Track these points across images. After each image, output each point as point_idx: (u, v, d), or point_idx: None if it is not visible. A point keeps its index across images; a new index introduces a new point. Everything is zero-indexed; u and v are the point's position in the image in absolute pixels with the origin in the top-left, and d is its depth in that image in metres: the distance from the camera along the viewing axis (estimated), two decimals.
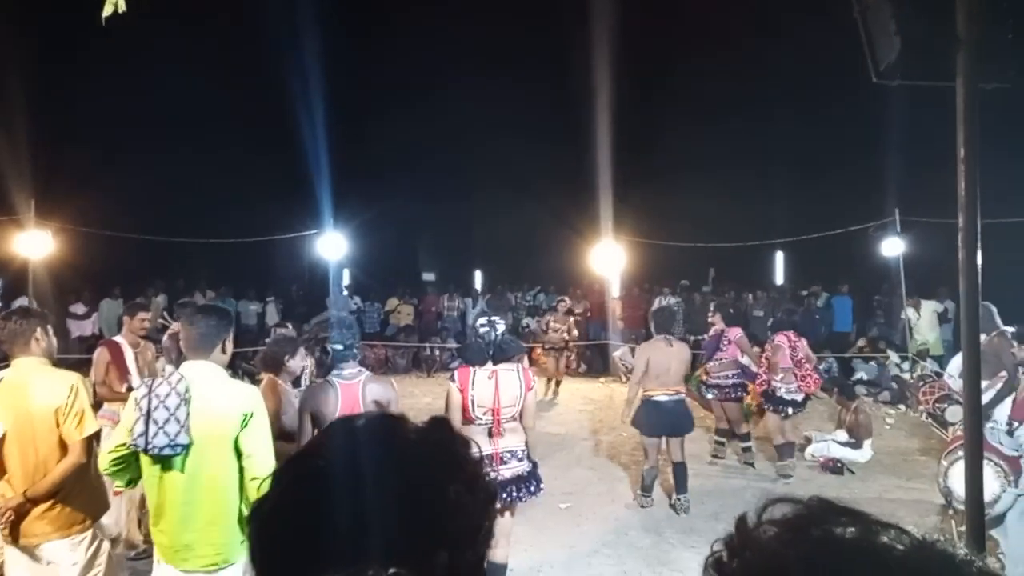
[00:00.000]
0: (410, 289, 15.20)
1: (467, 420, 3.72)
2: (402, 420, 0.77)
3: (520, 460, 3.76)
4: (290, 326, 5.02)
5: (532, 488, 3.78)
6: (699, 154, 14.69)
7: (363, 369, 3.36)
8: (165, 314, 7.60)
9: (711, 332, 7.17)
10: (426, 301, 15.00)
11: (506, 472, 3.68)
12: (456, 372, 3.81)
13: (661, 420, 5.65)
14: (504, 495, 3.67)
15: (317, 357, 3.34)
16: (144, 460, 2.77)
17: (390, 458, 0.71)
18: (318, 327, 3.29)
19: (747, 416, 7.05)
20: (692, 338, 12.39)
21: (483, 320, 3.85)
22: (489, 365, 3.74)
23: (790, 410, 6.66)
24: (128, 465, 2.81)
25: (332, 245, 12.44)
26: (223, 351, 2.86)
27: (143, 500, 3.93)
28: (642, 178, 14.75)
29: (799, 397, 6.64)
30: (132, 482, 2.92)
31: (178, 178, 13.65)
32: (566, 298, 11.50)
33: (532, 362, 12.16)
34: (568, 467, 6.96)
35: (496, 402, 3.69)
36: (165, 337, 4.95)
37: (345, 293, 14.96)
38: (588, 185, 12.92)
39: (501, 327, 3.83)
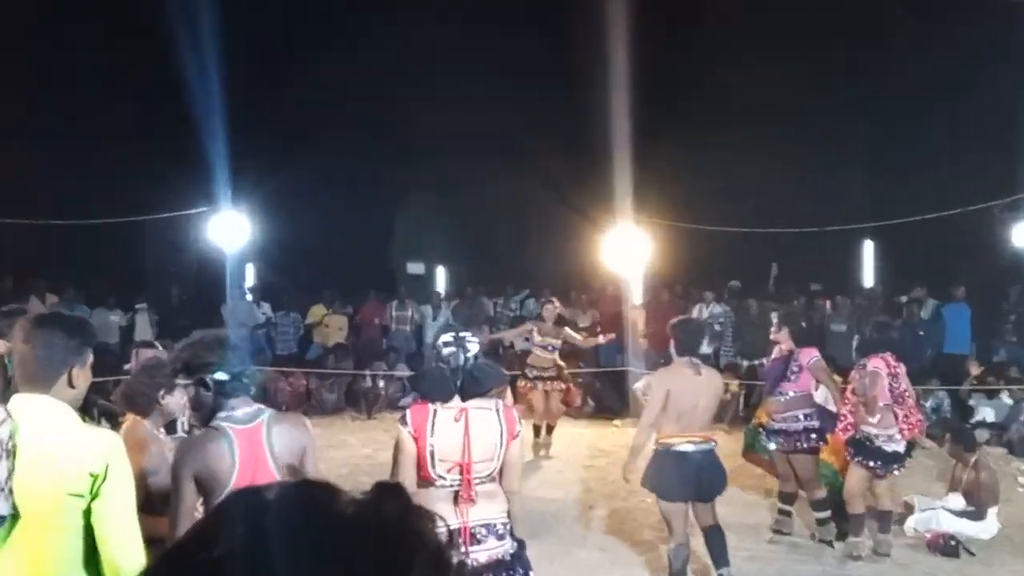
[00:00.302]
0: (342, 294, 15.13)
1: (425, 480, 3.72)
2: (331, 490, 0.77)
3: (500, 538, 3.76)
4: (159, 346, 4.95)
5: (524, 572, 3.79)
6: (755, 104, 14.75)
7: (262, 407, 3.31)
8: None
9: (774, 355, 7.18)
10: (365, 311, 14.98)
11: (480, 555, 3.68)
12: (409, 412, 3.80)
13: (686, 479, 5.61)
14: None
15: (191, 394, 3.27)
16: None
17: (318, 548, 0.70)
18: (188, 350, 3.21)
19: (828, 477, 7.07)
20: (745, 363, 12.48)
21: (448, 337, 3.83)
22: (456, 401, 3.75)
23: (892, 467, 6.69)
24: None
25: (230, 229, 12.35)
26: (70, 384, 2.79)
27: None
28: (675, 137, 14.78)
29: (901, 447, 6.68)
30: None
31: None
32: (554, 299, 11.16)
33: (517, 397, 12.11)
34: (568, 547, 6.95)
35: (466, 455, 3.68)
36: None
37: (249, 298, 14.86)
38: (597, 148, 12.91)
39: (473, 347, 3.82)
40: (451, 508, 3.67)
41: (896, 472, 6.87)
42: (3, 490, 2.58)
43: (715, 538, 5.77)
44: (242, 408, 3.23)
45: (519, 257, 16.44)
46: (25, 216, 11.73)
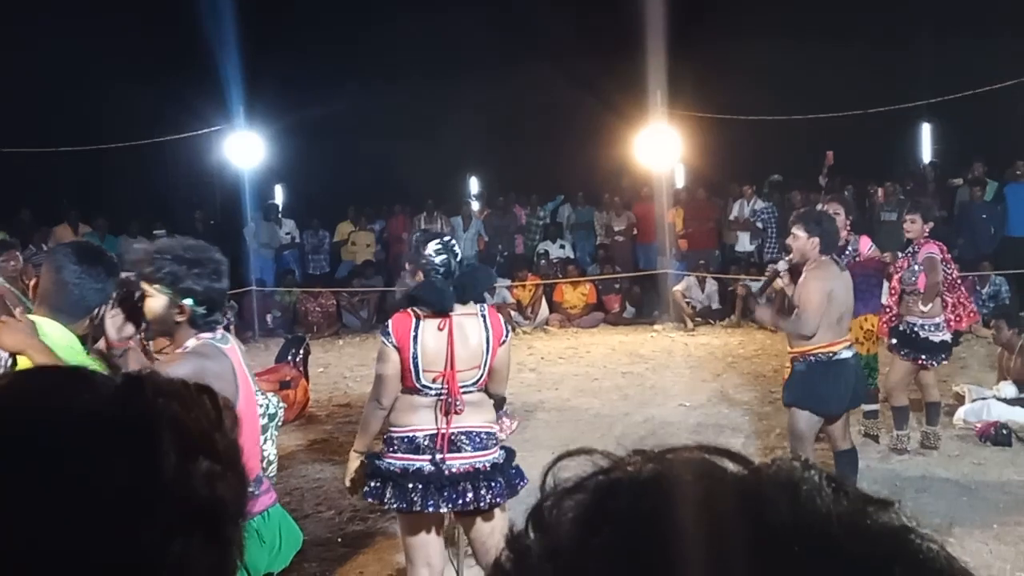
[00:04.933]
0: (368, 209, 15.18)
1: (411, 390, 3.75)
2: (75, 376, 0.76)
3: (481, 448, 3.79)
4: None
5: (507, 482, 3.78)
6: None
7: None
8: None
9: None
10: (393, 225, 15.02)
11: (456, 463, 3.70)
12: (391, 323, 3.78)
13: (848, 389, 5.30)
14: (456, 500, 3.67)
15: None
16: None
17: (51, 438, 0.69)
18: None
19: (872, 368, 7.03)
20: (789, 259, 12.36)
21: (436, 244, 3.85)
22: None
23: (939, 358, 6.67)
24: None
25: (245, 148, 12.37)
26: (92, 322, 2.92)
27: None
28: (708, 24, 14.41)
29: (948, 337, 6.66)
30: None
31: (13, 58, 13.50)
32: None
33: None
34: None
35: (450, 363, 3.72)
36: None
37: (270, 219, 14.90)
38: (626, 39, 12.63)
39: (459, 250, 4.00)
40: (433, 415, 3.74)
41: (943, 362, 6.84)
42: None
43: (850, 463, 5.45)
44: (219, 330, 3.14)
45: (549, 162, 16.27)
46: (39, 144, 11.79)
